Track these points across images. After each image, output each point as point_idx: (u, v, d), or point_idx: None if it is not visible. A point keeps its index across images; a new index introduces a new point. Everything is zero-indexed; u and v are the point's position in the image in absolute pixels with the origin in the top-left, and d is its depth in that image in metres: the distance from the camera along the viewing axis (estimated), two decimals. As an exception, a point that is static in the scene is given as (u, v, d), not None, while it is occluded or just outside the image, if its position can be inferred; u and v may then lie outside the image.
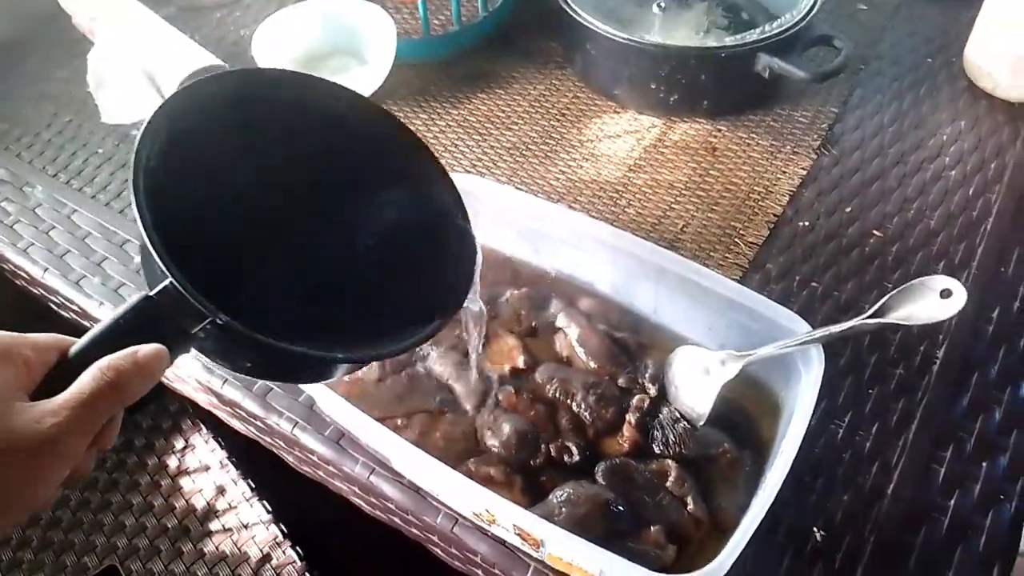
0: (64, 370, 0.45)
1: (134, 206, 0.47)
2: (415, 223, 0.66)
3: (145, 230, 0.46)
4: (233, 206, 0.59)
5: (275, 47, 1.03)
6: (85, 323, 0.92)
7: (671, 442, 0.69)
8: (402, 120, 0.66)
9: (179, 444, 1.18)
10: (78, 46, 1.14)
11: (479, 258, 0.66)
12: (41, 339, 0.45)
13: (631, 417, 0.69)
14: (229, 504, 1.11)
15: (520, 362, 0.75)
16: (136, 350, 0.45)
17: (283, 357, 0.51)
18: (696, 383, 0.69)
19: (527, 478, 0.68)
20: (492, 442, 0.69)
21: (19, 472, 0.41)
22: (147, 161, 0.49)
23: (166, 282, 0.46)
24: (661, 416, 0.70)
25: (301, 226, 0.63)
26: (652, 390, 0.72)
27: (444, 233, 0.66)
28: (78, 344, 0.46)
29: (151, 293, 0.47)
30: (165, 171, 0.49)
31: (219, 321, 0.46)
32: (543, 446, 0.69)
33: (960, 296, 0.60)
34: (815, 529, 0.68)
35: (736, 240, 0.88)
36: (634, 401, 0.70)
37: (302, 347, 0.50)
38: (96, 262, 0.91)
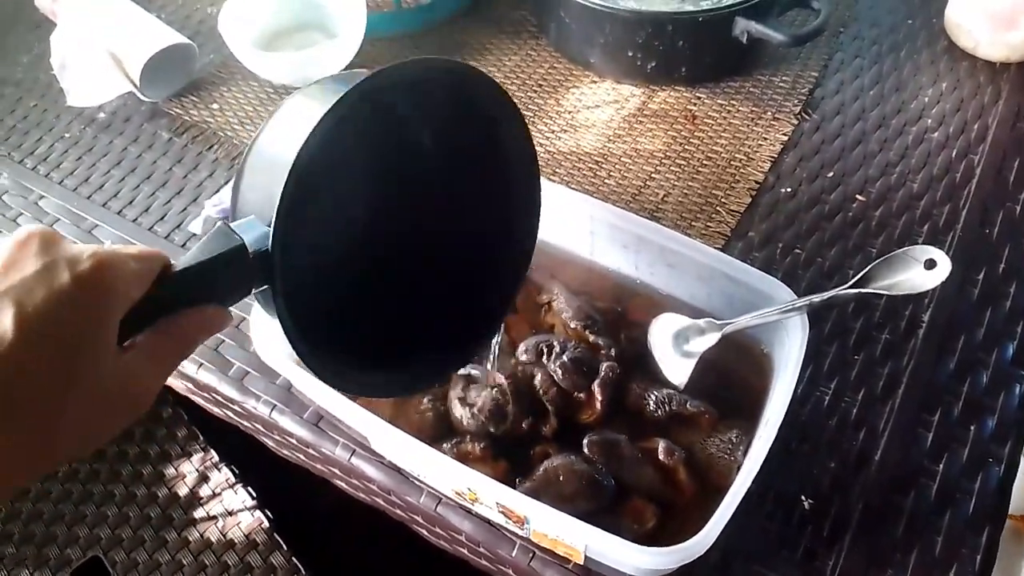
0: (157, 302, 0.43)
1: (278, 198, 0.47)
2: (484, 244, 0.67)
3: (281, 203, 0.47)
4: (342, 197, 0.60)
5: (242, 23, 1.00)
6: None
7: (655, 406, 0.68)
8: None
9: (160, 433, 1.16)
10: (41, 28, 1.11)
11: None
12: (144, 273, 0.43)
13: (597, 386, 0.68)
14: (212, 491, 1.10)
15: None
16: (209, 315, 0.46)
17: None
18: (675, 351, 0.68)
19: (511, 453, 0.67)
20: (464, 416, 0.68)
21: (98, 417, 0.41)
22: (306, 151, 0.48)
23: (266, 246, 0.47)
24: (640, 382, 0.69)
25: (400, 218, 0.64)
26: (615, 351, 0.71)
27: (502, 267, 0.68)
28: (173, 278, 0.44)
29: (250, 250, 0.46)
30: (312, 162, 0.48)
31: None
32: (512, 415, 0.67)
33: (944, 267, 0.60)
34: (803, 497, 0.67)
35: (718, 208, 0.87)
36: (602, 370, 0.69)
37: (317, 365, 0.54)
38: (65, 248, 0.89)
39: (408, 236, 0.64)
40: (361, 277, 0.62)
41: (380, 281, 0.63)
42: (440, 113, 0.61)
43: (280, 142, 0.51)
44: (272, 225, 0.47)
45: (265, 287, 0.48)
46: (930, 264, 0.60)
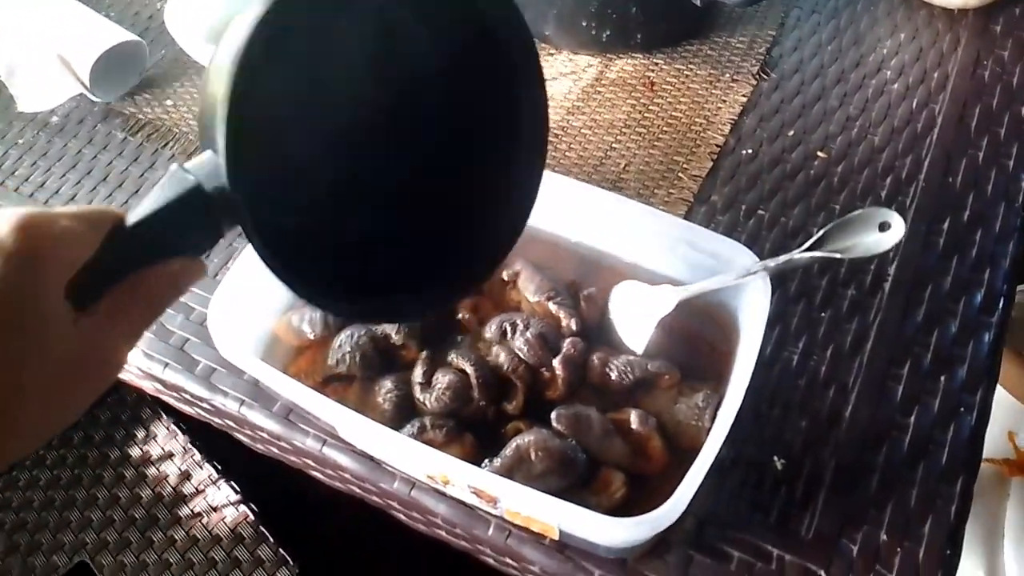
0: (109, 261, 0.40)
1: (222, 123, 0.40)
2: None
3: (228, 127, 0.41)
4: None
5: (191, 17, 0.98)
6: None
7: (618, 375, 0.68)
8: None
9: (140, 434, 1.16)
10: (-13, 33, 1.09)
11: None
12: (86, 233, 0.39)
13: (559, 362, 0.67)
14: (196, 488, 1.10)
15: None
16: (176, 270, 0.42)
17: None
18: (635, 318, 0.68)
19: (479, 429, 0.67)
20: (428, 399, 0.67)
21: (60, 389, 0.39)
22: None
23: (223, 182, 0.41)
24: (603, 353, 0.69)
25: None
26: (577, 324, 0.70)
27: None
28: (125, 233, 0.40)
29: (208, 188, 0.40)
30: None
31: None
32: (477, 399, 0.67)
33: (898, 228, 0.60)
34: (775, 458, 0.67)
35: (680, 174, 0.86)
36: (564, 346, 0.68)
37: (295, 287, 0.47)
38: (25, 256, 0.88)
39: (399, 165, 0.58)
40: (344, 197, 0.56)
41: (364, 203, 0.57)
42: (454, 47, 0.55)
43: (220, 55, 0.43)
44: (223, 156, 0.40)
45: (237, 227, 0.43)
46: (885, 226, 0.60)
